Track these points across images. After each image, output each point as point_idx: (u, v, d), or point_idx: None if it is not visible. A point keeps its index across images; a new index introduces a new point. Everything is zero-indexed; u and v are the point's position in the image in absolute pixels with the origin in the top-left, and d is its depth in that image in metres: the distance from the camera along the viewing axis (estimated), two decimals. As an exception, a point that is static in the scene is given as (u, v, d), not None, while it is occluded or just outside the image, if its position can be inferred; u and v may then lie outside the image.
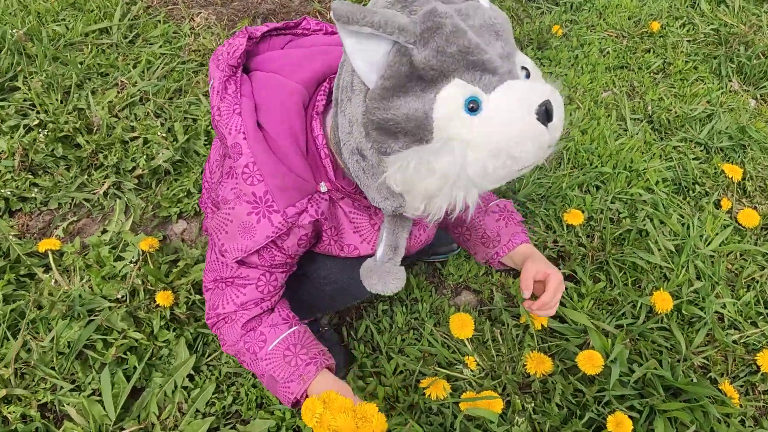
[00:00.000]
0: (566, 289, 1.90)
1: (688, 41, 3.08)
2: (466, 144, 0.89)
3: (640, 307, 1.83)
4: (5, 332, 1.68)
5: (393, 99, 0.89)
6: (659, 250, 2.00)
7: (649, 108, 2.67)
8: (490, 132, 0.88)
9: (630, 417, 1.47)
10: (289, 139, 1.12)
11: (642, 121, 2.61)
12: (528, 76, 0.94)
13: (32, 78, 2.32)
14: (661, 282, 1.93)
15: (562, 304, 1.85)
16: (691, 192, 2.27)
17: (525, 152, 0.90)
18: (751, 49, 2.94)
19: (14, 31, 2.41)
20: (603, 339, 1.62)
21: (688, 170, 2.34)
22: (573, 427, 1.52)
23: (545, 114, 0.89)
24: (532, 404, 1.57)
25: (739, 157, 2.44)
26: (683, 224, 2.12)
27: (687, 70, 2.90)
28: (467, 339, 1.72)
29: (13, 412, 1.53)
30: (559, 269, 1.82)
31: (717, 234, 2.09)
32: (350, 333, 1.81)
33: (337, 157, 1.12)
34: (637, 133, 2.53)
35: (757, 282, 1.98)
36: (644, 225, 2.09)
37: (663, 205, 2.17)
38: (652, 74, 2.90)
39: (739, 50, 2.97)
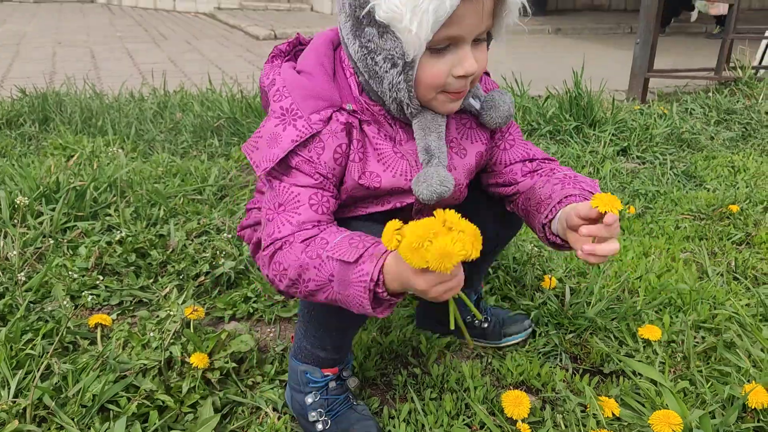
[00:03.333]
0: (640, 392, 1.67)
1: (772, 219, 3.00)
2: None
3: (732, 405, 1.56)
4: (35, 376, 1.62)
5: None
6: (749, 356, 1.75)
7: (733, 264, 2.53)
8: None
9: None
10: (319, 67, 1.21)
11: (725, 275, 2.45)
12: None
13: (124, 210, 2.52)
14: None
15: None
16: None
17: None
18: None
19: (118, 176, 2.69)
20: (681, 403, 1.37)
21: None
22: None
23: None
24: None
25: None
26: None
27: (772, 240, 2.78)
28: (523, 421, 1.51)
29: (19, 442, 1.42)
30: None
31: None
32: (391, 414, 1.62)
33: (357, 74, 1.18)
34: (721, 285, 2.37)
35: None
36: (731, 340, 1.86)
37: (756, 327, 1.94)
38: (734, 244, 2.79)
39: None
